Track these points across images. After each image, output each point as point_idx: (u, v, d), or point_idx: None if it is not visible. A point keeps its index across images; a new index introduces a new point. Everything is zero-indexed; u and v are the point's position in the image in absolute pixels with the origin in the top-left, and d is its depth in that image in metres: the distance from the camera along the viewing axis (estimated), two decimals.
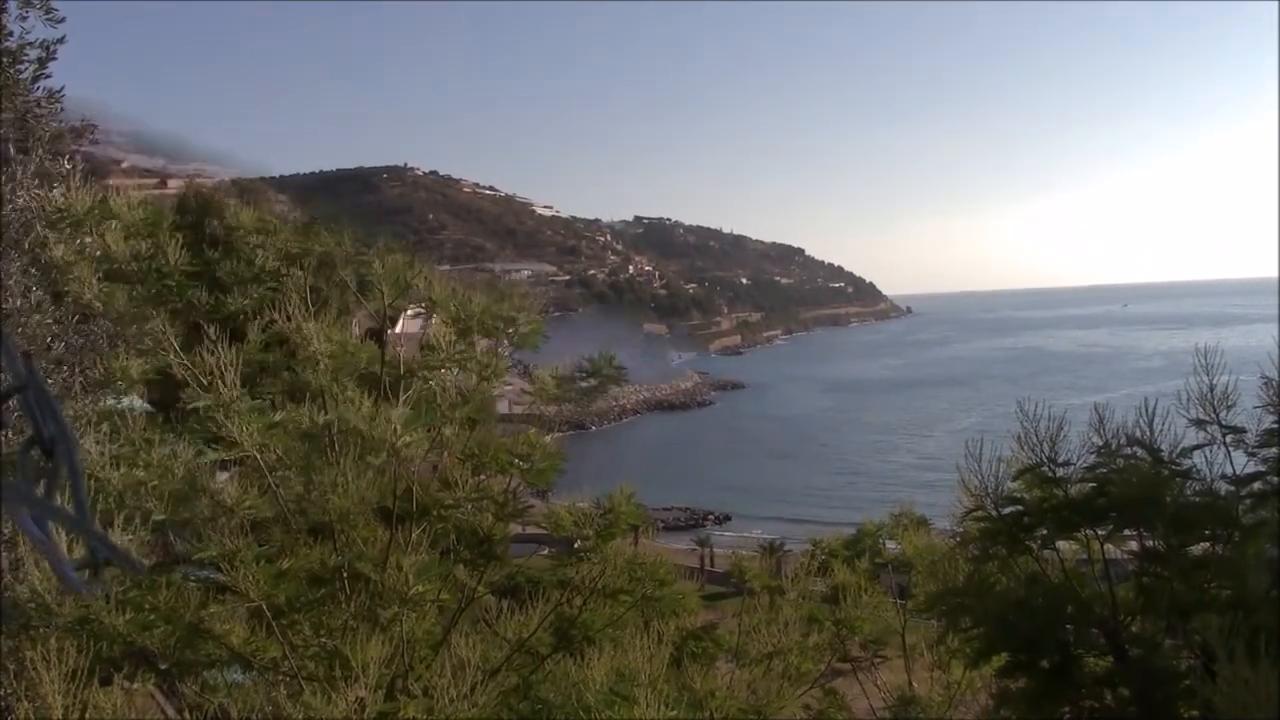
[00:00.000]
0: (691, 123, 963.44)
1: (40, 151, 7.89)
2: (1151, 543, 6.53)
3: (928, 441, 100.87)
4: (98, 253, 7.39)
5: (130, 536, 5.33)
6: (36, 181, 7.81)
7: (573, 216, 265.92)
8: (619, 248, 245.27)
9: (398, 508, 7.11)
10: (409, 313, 9.75)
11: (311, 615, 6.10)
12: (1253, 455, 6.42)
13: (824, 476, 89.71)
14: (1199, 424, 6.51)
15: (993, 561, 6.94)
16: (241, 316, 7.45)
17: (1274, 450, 6.30)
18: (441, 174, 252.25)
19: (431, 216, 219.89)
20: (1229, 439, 6.43)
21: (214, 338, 6.23)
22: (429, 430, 6.79)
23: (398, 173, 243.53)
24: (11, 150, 7.68)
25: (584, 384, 7.05)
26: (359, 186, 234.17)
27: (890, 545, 10.30)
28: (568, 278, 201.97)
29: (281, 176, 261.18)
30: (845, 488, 79.41)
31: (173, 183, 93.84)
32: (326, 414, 6.48)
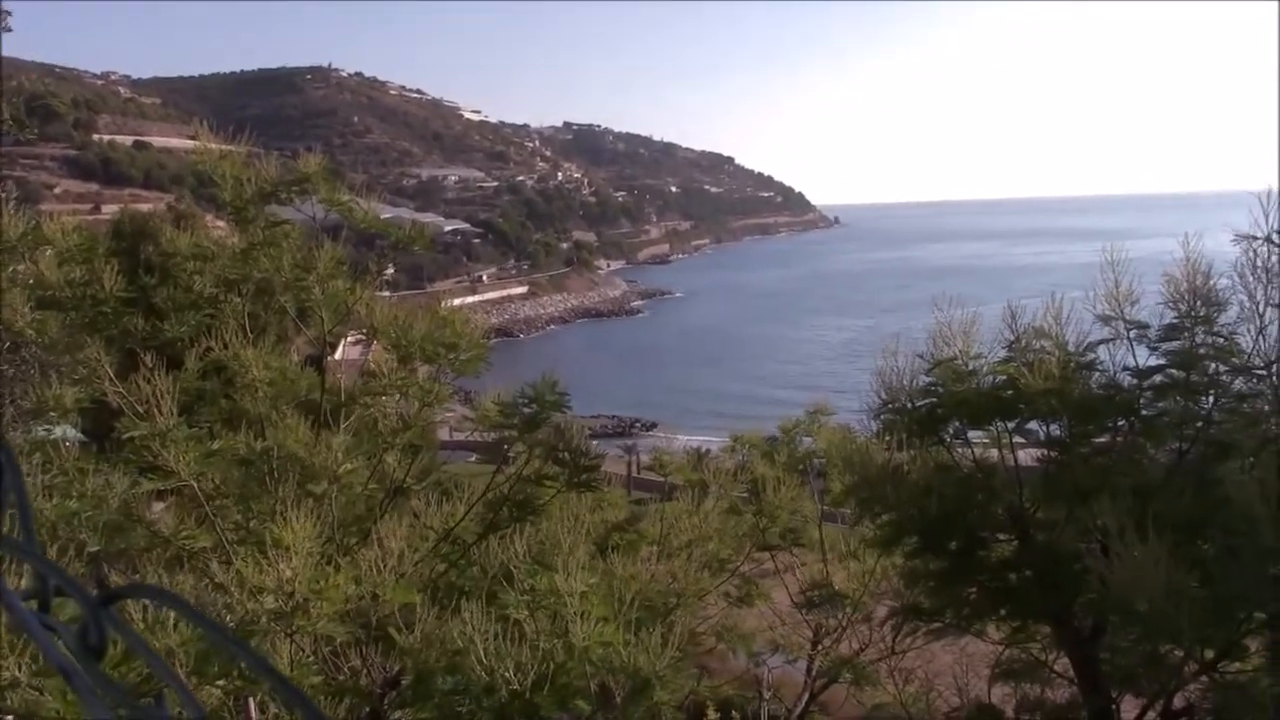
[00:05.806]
0: (624, 25, 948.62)
1: None
2: (1057, 432, 6.80)
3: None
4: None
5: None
6: None
7: (501, 121, 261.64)
8: (548, 154, 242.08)
9: (325, 399, 7.16)
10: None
11: (241, 499, 6.17)
12: (1154, 349, 6.68)
13: (750, 383, 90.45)
14: (1105, 320, 6.75)
15: (906, 452, 7.19)
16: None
17: (1175, 344, 6.56)
18: (367, 76, 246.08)
19: (356, 119, 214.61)
20: (1133, 334, 6.68)
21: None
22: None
23: (322, 74, 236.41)
24: None
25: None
26: (281, 88, 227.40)
27: (807, 440, 10.52)
28: (495, 184, 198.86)
29: (201, 76, 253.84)
30: (773, 393, 79.98)
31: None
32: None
